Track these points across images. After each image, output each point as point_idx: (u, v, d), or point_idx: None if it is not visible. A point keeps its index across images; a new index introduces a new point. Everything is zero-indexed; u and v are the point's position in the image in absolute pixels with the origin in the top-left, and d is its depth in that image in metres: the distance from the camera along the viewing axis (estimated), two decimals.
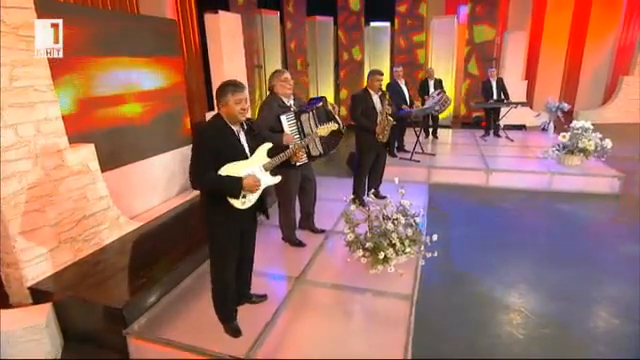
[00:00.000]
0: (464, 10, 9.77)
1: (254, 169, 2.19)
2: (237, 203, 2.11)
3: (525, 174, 5.47)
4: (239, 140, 2.16)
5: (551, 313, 2.78)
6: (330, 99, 6.15)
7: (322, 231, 3.63)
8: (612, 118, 9.62)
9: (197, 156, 2.06)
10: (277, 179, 2.32)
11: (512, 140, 7.37)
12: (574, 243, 3.86)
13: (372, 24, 10.07)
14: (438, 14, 10.13)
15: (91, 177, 3.17)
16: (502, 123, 7.78)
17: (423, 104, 6.70)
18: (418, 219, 2.99)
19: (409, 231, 2.81)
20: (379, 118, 3.88)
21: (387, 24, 10.09)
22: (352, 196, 3.36)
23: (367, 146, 4.01)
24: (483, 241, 3.89)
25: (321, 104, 3.11)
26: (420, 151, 6.25)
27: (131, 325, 2.42)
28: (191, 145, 2.23)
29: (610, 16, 10.01)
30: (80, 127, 3.35)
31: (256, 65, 8.27)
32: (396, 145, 6.38)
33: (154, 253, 3.16)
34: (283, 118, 2.98)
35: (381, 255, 2.74)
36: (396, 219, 2.85)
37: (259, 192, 2.21)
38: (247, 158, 2.17)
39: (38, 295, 2.66)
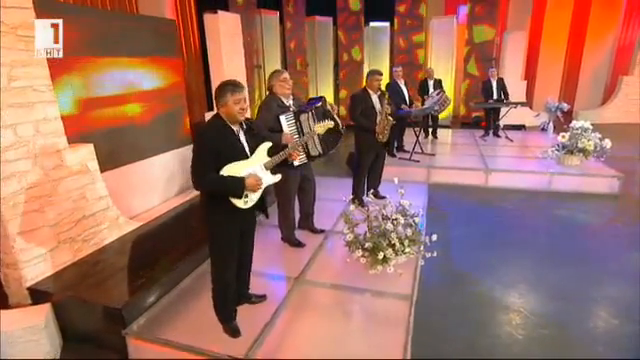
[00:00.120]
0: (464, 10, 9.77)
1: (255, 168, 2.20)
2: (239, 203, 2.12)
3: (524, 174, 5.47)
4: (239, 140, 2.16)
5: (550, 313, 2.78)
6: (329, 99, 6.16)
7: (321, 231, 3.63)
8: (611, 118, 9.63)
9: (198, 157, 2.07)
10: (277, 177, 2.34)
11: (512, 140, 7.38)
12: (573, 243, 3.86)
13: (372, 24, 10.08)
14: (438, 14, 10.15)
15: (90, 177, 3.17)
16: (502, 123, 7.79)
17: (423, 104, 6.71)
18: (417, 219, 2.98)
19: (408, 231, 2.81)
20: (378, 118, 3.88)
21: (387, 24, 10.11)
22: (351, 196, 3.36)
23: (366, 146, 4.01)
24: (482, 241, 3.89)
25: (320, 104, 3.11)
26: (420, 151, 6.25)
27: (130, 325, 2.42)
28: (191, 145, 2.23)
29: (609, 16, 10.02)
30: (79, 127, 3.35)
31: (255, 65, 8.26)
32: (395, 145, 6.39)
33: (154, 253, 3.16)
34: (282, 118, 2.98)
35: (380, 255, 2.74)
36: (395, 219, 2.85)
37: (260, 191, 2.22)
38: (247, 157, 2.18)
39: (37, 295, 2.65)
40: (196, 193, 3.40)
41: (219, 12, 5.12)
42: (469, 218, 4.49)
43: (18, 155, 2.63)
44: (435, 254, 2.86)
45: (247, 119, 2.22)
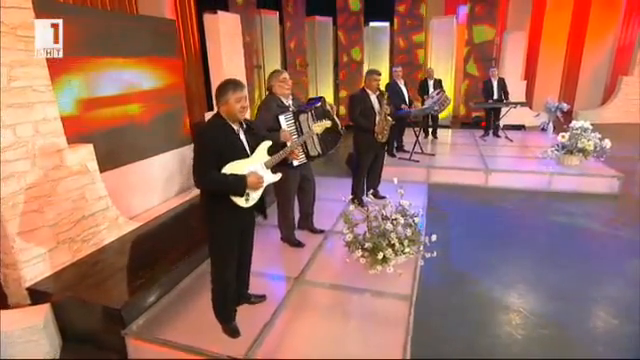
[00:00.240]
0: (463, 10, 9.77)
1: (256, 167, 2.20)
2: (241, 201, 2.13)
3: (524, 174, 5.47)
4: (239, 138, 2.17)
5: (550, 313, 2.78)
6: (329, 99, 6.15)
7: (321, 231, 3.63)
8: (611, 118, 9.63)
9: (199, 156, 2.08)
10: (278, 177, 2.35)
11: (511, 140, 7.37)
12: (573, 243, 3.86)
13: (371, 24, 10.07)
14: (437, 14, 10.14)
15: (90, 177, 3.16)
16: (501, 123, 7.79)
17: (423, 104, 6.71)
18: (417, 219, 2.98)
19: (408, 231, 2.81)
20: (377, 118, 3.87)
21: (386, 24, 10.10)
22: (351, 196, 3.36)
23: (366, 146, 4.00)
24: (482, 241, 3.89)
25: (320, 104, 3.11)
26: (419, 151, 6.25)
27: (130, 325, 2.42)
28: (190, 145, 2.23)
29: (609, 16, 10.02)
30: (79, 127, 3.35)
31: (255, 65, 8.26)
32: (395, 145, 6.39)
33: (153, 253, 3.16)
34: (282, 118, 2.98)
35: (380, 255, 2.74)
36: (395, 219, 2.85)
37: (262, 190, 2.23)
38: (248, 156, 2.18)
39: (36, 296, 2.65)
40: (196, 193, 3.40)
41: (219, 12, 5.11)
42: (469, 218, 4.49)
43: (17, 155, 2.63)
44: (435, 254, 2.86)
45: (246, 120, 2.22)
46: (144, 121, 4.13)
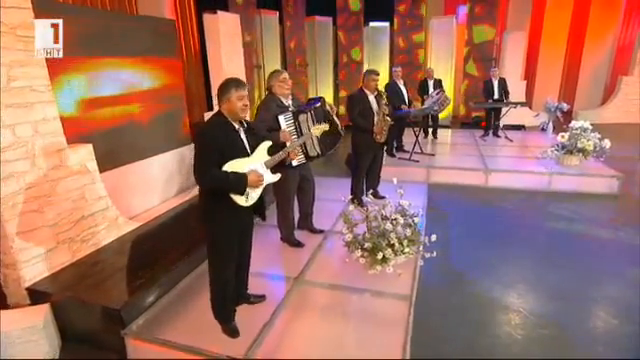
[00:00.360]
0: (463, 10, 9.76)
1: (256, 166, 2.21)
2: (241, 200, 2.13)
3: (524, 174, 5.47)
4: (240, 137, 2.18)
5: (550, 313, 2.78)
6: (329, 99, 6.15)
7: (321, 231, 3.63)
8: (611, 118, 9.63)
9: (200, 153, 2.08)
10: (277, 177, 2.36)
11: (511, 140, 7.37)
12: (573, 243, 3.86)
13: (371, 24, 10.06)
14: (437, 14, 10.14)
15: (89, 177, 3.16)
16: (501, 123, 7.78)
17: (423, 104, 6.70)
18: (417, 219, 2.98)
19: (408, 231, 2.81)
20: (376, 119, 3.86)
21: (386, 24, 10.09)
22: (350, 196, 3.36)
23: (364, 147, 3.99)
24: (482, 241, 3.89)
25: (319, 104, 3.11)
26: (419, 151, 6.25)
27: (129, 325, 2.42)
28: (190, 145, 2.24)
29: (609, 16, 10.02)
30: (78, 127, 3.34)
31: (255, 65, 8.26)
32: (395, 145, 6.39)
33: (153, 253, 3.15)
34: (281, 118, 2.97)
35: (380, 255, 2.73)
36: (395, 219, 2.85)
37: (261, 189, 2.24)
38: (248, 155, 2.19)
39: (36, 296, 2.65)
40: (195, 193, 3.39)
41: (219, 12, 5.11)
42: (469, 218, 4.48)
43: (17, 155, 2.62)
44: (434, 254, 2.86)
45: (246, 121, 2.23)
46: (144, 121, 4.13)
